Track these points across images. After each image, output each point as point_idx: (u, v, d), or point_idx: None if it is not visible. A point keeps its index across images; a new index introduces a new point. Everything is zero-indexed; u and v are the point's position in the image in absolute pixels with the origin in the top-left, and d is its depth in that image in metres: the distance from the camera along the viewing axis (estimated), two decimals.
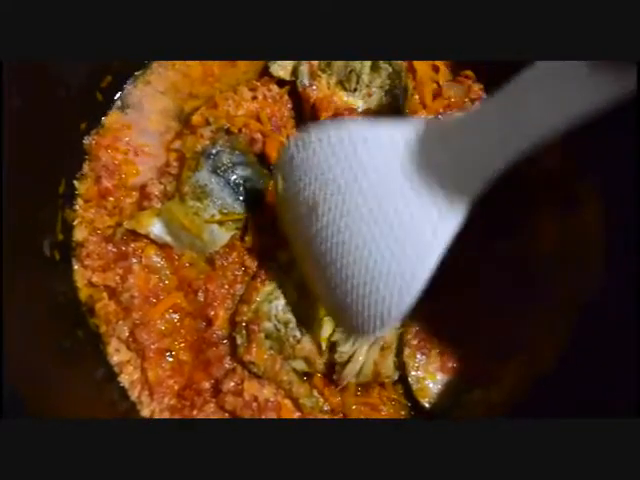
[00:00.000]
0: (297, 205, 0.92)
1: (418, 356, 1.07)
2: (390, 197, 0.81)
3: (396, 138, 0.82)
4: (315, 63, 1.16)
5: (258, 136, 1.14)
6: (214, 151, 1.10)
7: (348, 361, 1.05)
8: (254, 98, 1.17)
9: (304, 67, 1.16)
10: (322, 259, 0.89)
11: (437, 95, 1.18)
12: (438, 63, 1.20)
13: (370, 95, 1.15)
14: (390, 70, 1.15)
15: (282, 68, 1.19)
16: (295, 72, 1.17)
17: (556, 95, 0.69)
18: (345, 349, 1.04)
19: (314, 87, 1.15)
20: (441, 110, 1.16)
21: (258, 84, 1.18)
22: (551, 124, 0.69)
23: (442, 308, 1.08)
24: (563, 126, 0.68)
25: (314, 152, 0.88)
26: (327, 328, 1.05)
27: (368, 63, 1.16)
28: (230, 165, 1.10)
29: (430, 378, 1.07)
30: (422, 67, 1.19)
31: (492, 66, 1.12)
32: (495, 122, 0.74)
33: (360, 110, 1.14)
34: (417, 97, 1.18)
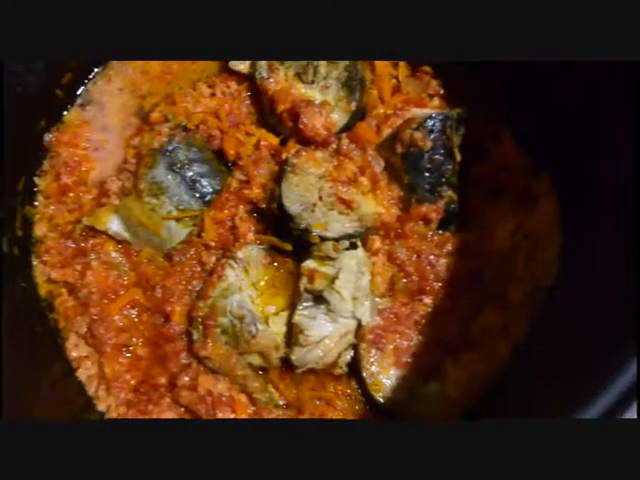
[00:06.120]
0: None
1: (373, 351, 1.07)
2: None
3: None
4: None
5: (216, 132, 1.14)
6: (170, 148, 1.11)
7: (314, 346, 1.04)
8: (213, 95, 1.18)
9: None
10: None
11: (396, 90, 1.18)
12: None
13: (327, 87, 1.15)
14: (347, 62, 1.15)
15: (241, 62, 1.19)
16: (254, 65, 1.17)
17: None
18: (312, 333, 1.03)
19: (272, 80, 1.15)
20: (400, 105, 1.16)
21: (217, 81, 1.18)
22: None
23: (398, 303, 1.10)
24: None
25: None
26: (280, 324, 1.06)
27: None
28: (186, 162, 1.11)
29: (384, 373, 1.07)
30: (380, 62, 1.18)
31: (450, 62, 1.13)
32: None
33: (317, 102, 1.13)
34: (375, 92, 1.18)
